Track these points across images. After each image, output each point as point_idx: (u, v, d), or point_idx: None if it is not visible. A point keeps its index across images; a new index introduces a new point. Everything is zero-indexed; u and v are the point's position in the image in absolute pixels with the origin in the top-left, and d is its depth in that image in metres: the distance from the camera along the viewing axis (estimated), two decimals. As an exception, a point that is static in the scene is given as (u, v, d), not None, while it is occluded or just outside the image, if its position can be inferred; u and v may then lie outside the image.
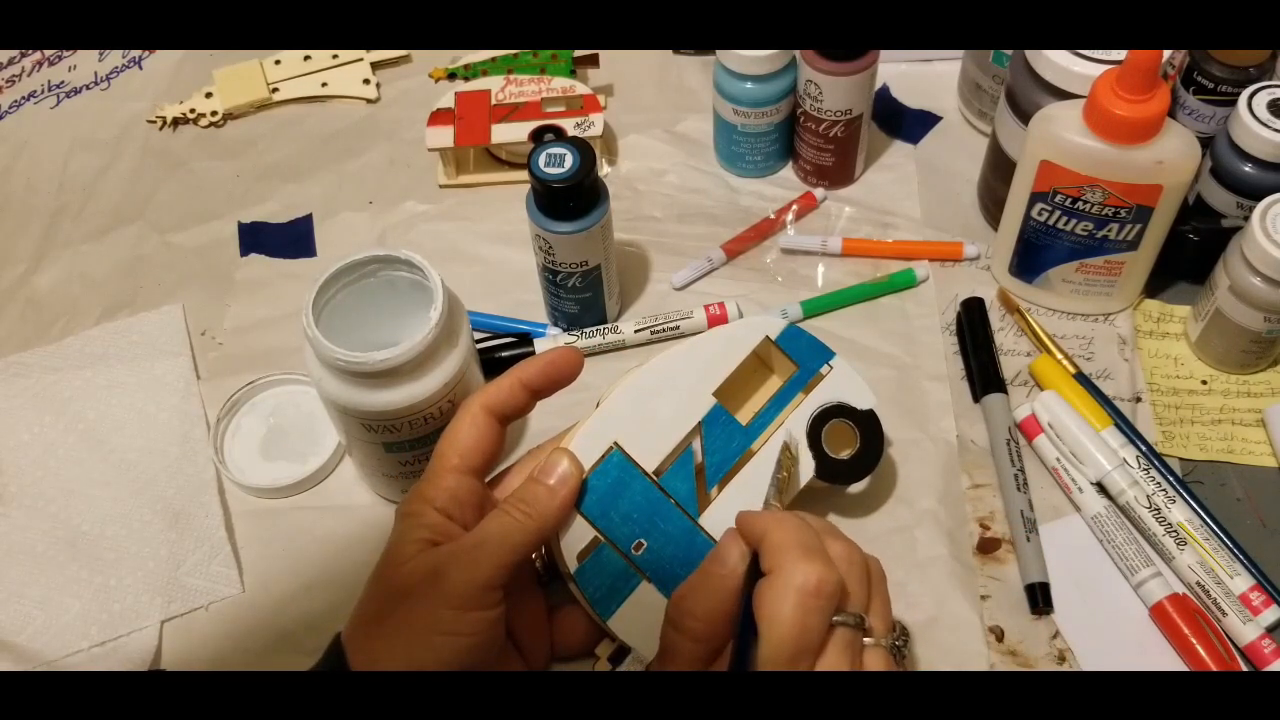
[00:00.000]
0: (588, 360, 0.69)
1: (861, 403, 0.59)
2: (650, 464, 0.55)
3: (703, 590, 0.49)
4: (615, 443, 0.55)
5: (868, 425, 0.59)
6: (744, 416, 0.58)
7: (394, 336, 0.55)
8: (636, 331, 0.69)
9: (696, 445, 0.56)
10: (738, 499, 0.55)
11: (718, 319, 0.70)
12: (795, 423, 0.58)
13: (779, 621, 0.44)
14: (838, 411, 0.59)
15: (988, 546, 0.62)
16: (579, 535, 0.54)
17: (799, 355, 0.59)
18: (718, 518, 0.55)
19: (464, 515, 0.52)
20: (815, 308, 0.70)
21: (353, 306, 0.59)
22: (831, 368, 0.59)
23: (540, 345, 0.69)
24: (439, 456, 0.52)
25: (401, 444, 0.58)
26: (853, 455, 0.59)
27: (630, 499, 0.54)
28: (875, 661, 0.46)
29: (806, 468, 0.58)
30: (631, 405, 0.56)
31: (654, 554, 0.54)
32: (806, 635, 0.44)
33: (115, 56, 0.88)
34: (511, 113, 0.76)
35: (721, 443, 0.56)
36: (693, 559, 0.54)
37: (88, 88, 0.86)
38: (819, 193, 0.76)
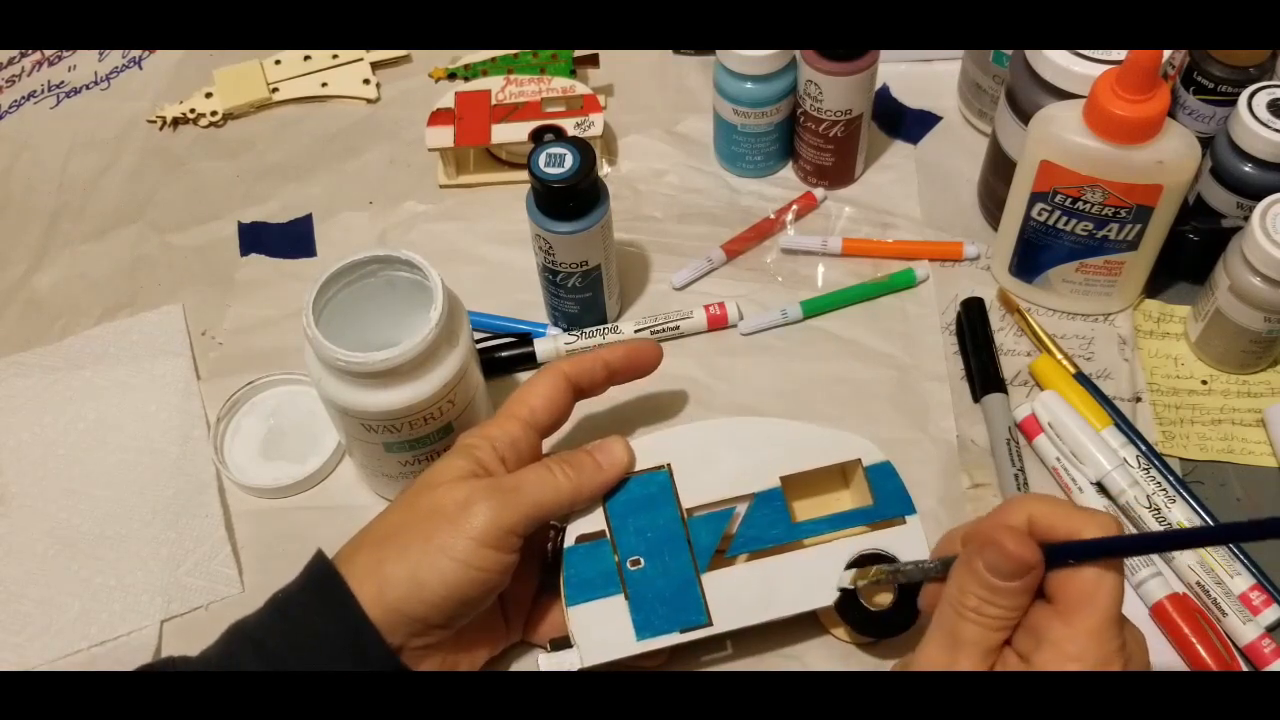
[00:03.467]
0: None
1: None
2: (688, 501, 0.55)
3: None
4: (669, 464, 0.55)
5: (909, 590, 0.54)
6: (797, 514, 0.57)
7: (394, 337, 0.55)
8: (636, 331, 0.69)
9: (740, 510, 0.56)
10: (749, 580, 0.55)
11: (718, 319, 0.70)
12: (844, 551, 0.55)
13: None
14: (889, 564, 0.55)
15: (988, 546, 0.62)
16: (590, 520, 0.55)
17: (880, 492, 0.56)
18: (719, 584, 0.54)
19: (518, 463, 0.53)
20: (815, 308, 0.70)
21: (353, 306, 0.59)
22: (906, 522, 0.56)
23: (540, 345, 0.69)
24: (511, 404, 0.55)
25: (401, 444, 0.58)
26: (880, 611, 0.55)
27: (653, 519, 0.55)
28: None
29: (829, 595, 0.55)
30: (702, 443, 0.56)
31: (644, 577, 0.54)
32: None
33: (115, 56, 0.88)
34: (511, 113, 0.76)
35: (763, 523, 0.55)
36: (677, 605, 0.54)
37: (88, 88, 0.86)
38: (819, 193, 0.76)
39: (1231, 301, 0.63)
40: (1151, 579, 0.59)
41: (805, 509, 0.58)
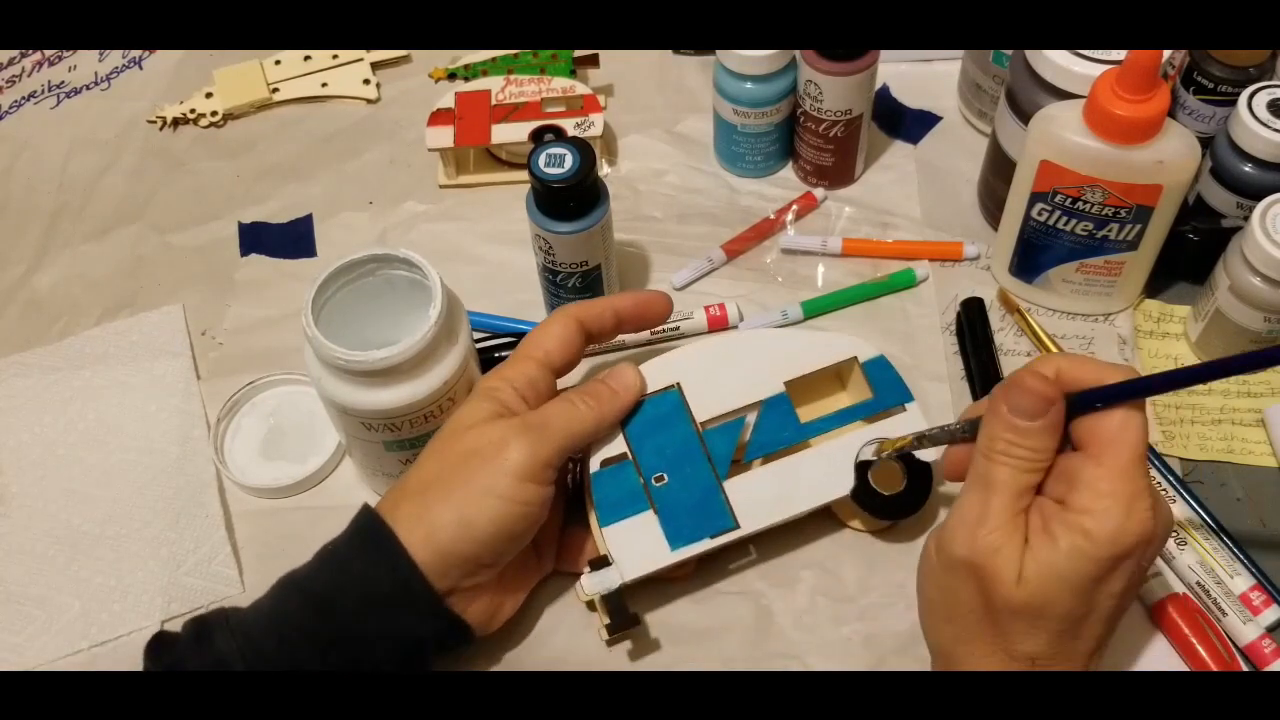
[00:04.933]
0: (589, 361, 0.69)
1: (924, 454, 0.58)
2: (701, 415, 0.58)
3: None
4: (678, 383, 0.58)
5: (919, 473, 0.58)
6: (803, 415, 0.59)
7: (393, 335, 0.55)
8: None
9: (750, 419, 0.58)
10: (768, 481, 0.57)
11: (718, 320, 0.70)
12: (852, 444, 0.58)
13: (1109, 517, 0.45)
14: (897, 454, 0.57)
15: (988, 546, 0.62)
16: (612, 445, 0.57)
17: (879, 385, 0.60)
18: (740, 489, 0.57)
19: (537, 402, 0.55)
20: (816, 308, 0.70)
21: (352, 305, 0.59)
22: (906, 410, 0.59)
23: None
24: (526, 346, 0.56)
25: (401, 442, 0.58)
26: (893, 495, 0.58)
27: (669, 436, 0.57)
28: None
29: (844, 486, 0.58)
30: (706, 360, 0.59)
31: (669, 492, 0.57)
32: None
33: (115, 57, 0.88)
34: (511, 113, 0.76)
35: (774, 427, 0.58)
36: (704, 513, 0.56)
37: (88, 88, 0.86)
38: (819, 193, 0.76)
39: (1231, 301, 0.63)
40: (1151, 579, 0.59)
41: (809, 413, 0.60)
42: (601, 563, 0.56)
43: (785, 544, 0.61)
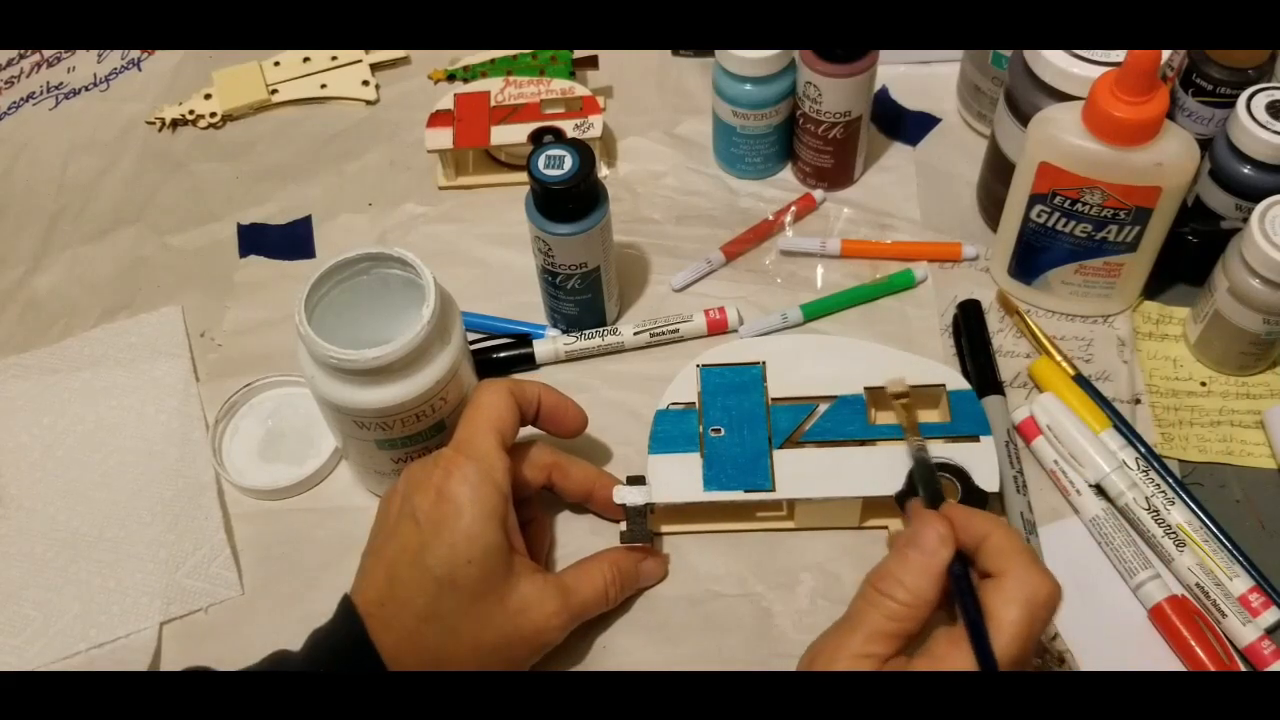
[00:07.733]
0: (588, 362, 0.69)
1: (984, 483, 0.59)
2: (775, 393, 0.61)
3: (904, 570, 0.49)
4: (764, 362, 0.62)
5: (973, 496, 0.58)
6: (876, 418, 0.61)
7: (387, 334, 0.55)
8: (636, 334, 0.69)
9: (821, 407, 0.61)
10: (817, 461, 0.60)
11: (718, 324, 0.70)
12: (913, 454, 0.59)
13: (1004, 626, 0.46)
14: (956, 472, 0.59)
15: (987, 548, 0.62)
16: (685, 391, 0.62)
17: (959, 413, 0.61)
18: (788, 460, 0.60)
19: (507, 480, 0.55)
20: (815, 311, 0.70)
21: (346, 304, 0.59)
22: (979, 441, 0.60)
23: (539, 347, 0.69)
24: (484, 422, 0.55)
25: (394, 441, 0.58)
26: None
27: (740, 400, 0.61)
28: None
29: (891, 487, 0.58)
30: (798, 350, 0.63)
31: (721, 445, 0.60)
32: (1028, 645, 0.46)
33: (114, 58, 0.88)
34: (511, 114, 0.76)
35: (841, 420, 0.61)
36: (747, 470, 0.59)
37: (87, 89, 0.86)
38: (818, 194, 0.76)
39: (1230, 303, 0.63)
40: (1150, 581, 0.59)
41: (884, 418, 0.61)
42: (639, 481, 0.59)
43: (785, 545, 0.61)
